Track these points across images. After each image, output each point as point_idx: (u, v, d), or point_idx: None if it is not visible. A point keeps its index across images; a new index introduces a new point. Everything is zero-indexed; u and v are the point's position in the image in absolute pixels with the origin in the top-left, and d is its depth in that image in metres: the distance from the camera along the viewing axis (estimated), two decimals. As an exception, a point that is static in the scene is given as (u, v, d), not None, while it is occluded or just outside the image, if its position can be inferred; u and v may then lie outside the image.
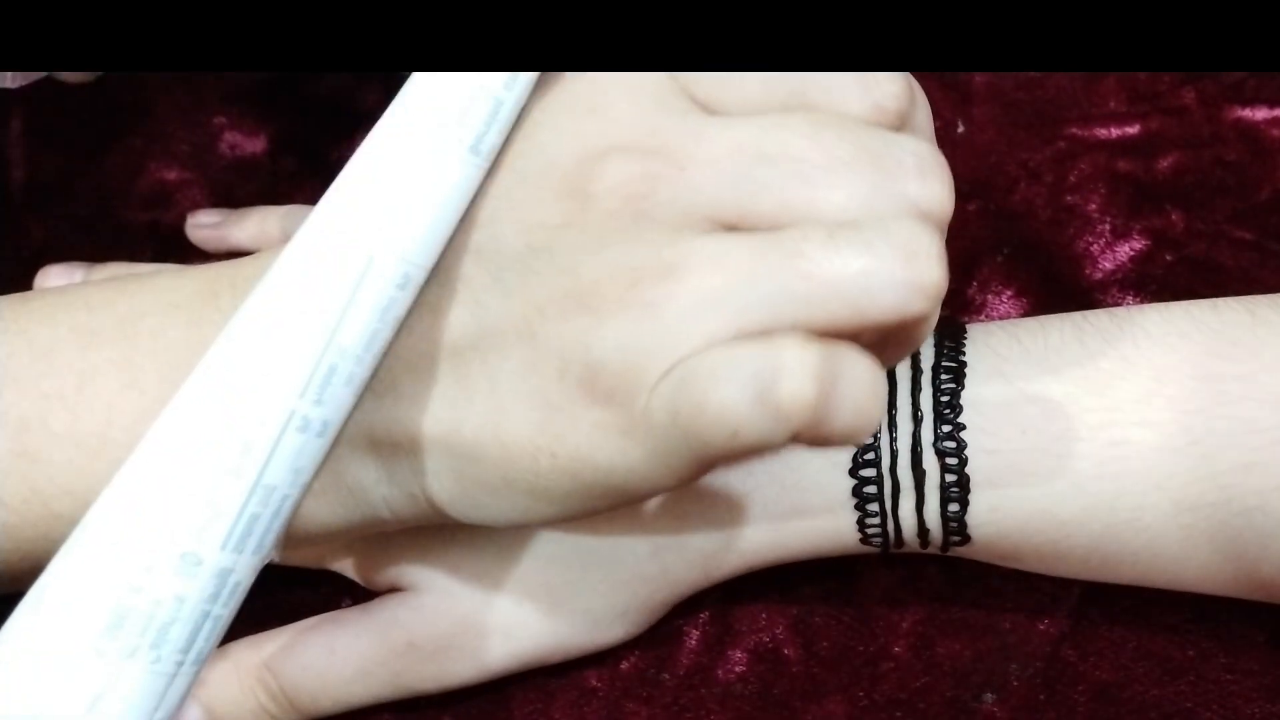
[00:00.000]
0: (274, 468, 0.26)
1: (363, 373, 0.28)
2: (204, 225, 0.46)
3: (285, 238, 0.45)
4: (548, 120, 0.29)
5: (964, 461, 0.35)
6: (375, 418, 0.30)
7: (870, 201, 0.28)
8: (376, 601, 0.38)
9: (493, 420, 0.29)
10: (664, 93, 0.29)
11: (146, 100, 0.50)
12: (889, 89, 0.29)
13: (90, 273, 0.45)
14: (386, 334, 0.28)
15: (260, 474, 0.26)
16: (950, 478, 0.36)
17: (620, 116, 0.29)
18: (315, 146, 0.49)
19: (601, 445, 0.28)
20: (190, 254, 0.46)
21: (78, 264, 0.45)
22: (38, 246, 0.47)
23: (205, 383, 0.26)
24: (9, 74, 0.41)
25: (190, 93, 0.50)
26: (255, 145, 0.49)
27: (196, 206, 0.48)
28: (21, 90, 0.42)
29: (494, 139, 0.28)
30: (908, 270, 0.27)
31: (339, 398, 0.27)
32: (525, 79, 0.28)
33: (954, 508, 0.36)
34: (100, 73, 0.41)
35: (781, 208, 0.28)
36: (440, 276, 0.29)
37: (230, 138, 0.49)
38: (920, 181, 0.28)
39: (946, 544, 0.37)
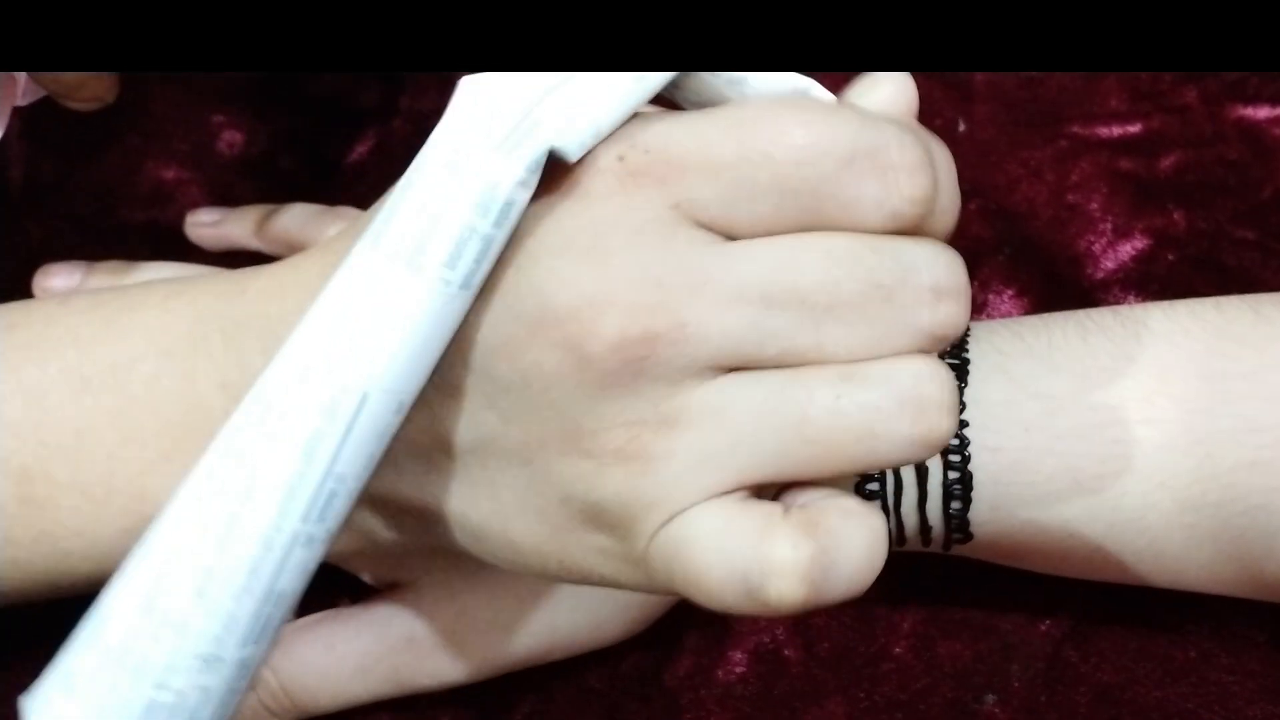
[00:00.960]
0: (283, 580, 0.27)
1: (362, 484, 0.28)
2: (203, 224, 0.46)
3: (283, 237, 0.45)
4: (544, 257, 0.27)
5: (967, 459, 0.35)
6: (380, 486, 0.30)
7: (881, 341, 0.27)
8: (376, 598, 0.38)
9: (499, 520, 0.29)
10: (666, 225, 0.27)
11: (145, 99, 0.50)
12: (909, 193, 0.27)
13: (89, 272, 0.45)
14: (384, 447, 0.28)
15: (270, 587, 0.27)
16: (953, 475, 0.36)
17: (618, 262, 0.27)
18: (315, 145, 0.49)
19: (605, 565, 0.29)
20: (189, 253, 0.46)
21: (77, 263, 0.45)
22: (36, 246, 0.47)
23: (209, 507, 0.27)
24: (18, 90, 0.42)
25: (188, 91, 0.50)
26: (254, 144, 0.49)
27: (195, 205, 0.48)
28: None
29: (484, 271, 0.27)
30: (915, 426, 0.27)
31: (340, 513, 0.27)
32: (516, 211, 0.27)
33: (956, 505, 0.36)
34: (108, 101, 0.41)
35: (787, 354, 0.27)
36: (437, 380, 0.28)
37: (229, 136, 0.49)
38: (934, 308, 0.28)
39: (949, 542, 0.37)
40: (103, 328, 0.33)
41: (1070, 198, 0.46)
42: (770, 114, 0.27)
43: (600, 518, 0.28)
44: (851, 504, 0.27)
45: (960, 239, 0.46)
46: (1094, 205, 0.46)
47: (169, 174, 0.48)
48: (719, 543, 0.27)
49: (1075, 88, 0.48)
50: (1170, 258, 0.45)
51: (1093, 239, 0.45)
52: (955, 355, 0.36)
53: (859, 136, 0.27)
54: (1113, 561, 0.36)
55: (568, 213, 0.27)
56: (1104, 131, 0.47)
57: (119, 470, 0.32)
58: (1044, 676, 0.39)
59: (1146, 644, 0.40)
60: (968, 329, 0.37)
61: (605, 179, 0.27)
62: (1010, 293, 0.45)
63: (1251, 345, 0.35)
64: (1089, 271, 0.45)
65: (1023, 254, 0.45)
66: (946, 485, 0.36)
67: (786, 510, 0.27)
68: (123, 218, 0.48)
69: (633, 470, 0.27)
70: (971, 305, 0.44)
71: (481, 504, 0.29)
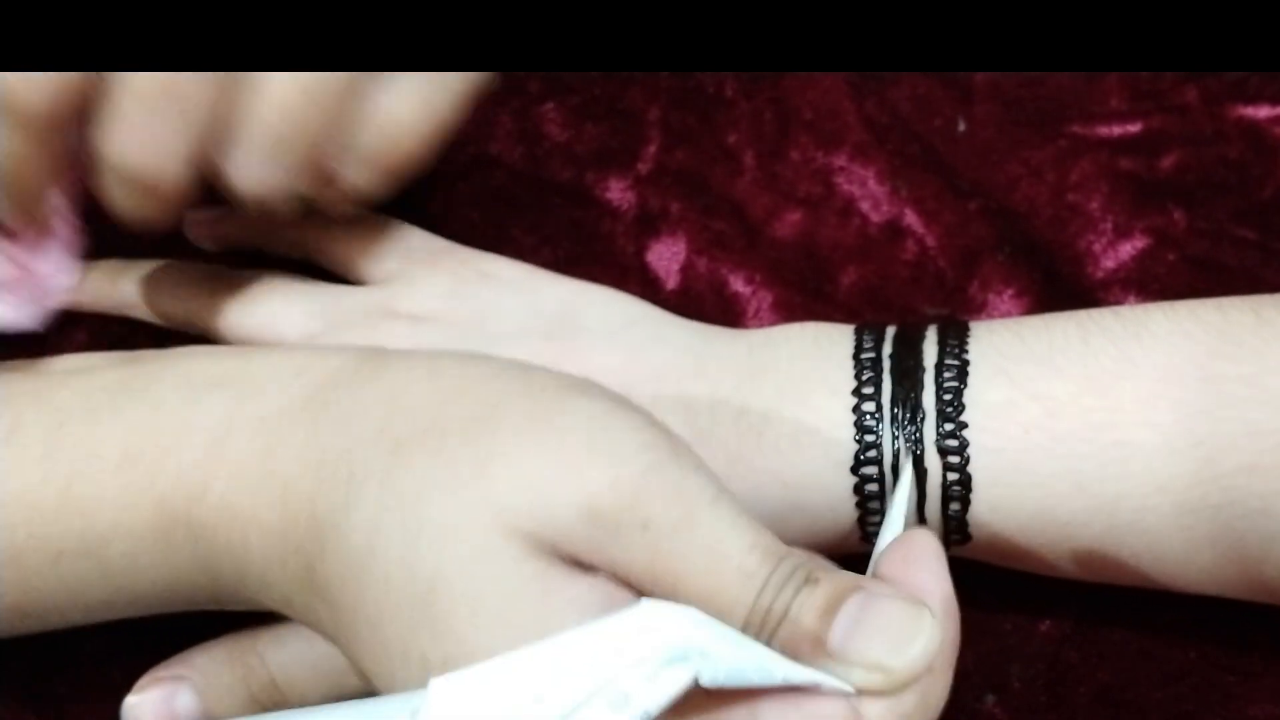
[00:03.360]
0: None
1: None
2: (201, 223, 0.46)
3: (280, 236, 0.45)
4: None
5: (966, 460, 0.35)
6: None
7: None
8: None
9: None
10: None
11: (143, 97, 0.49)
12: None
13: (86, 272, 0.45)
14: None
15: None
16: (952, 476, 0.35)
17: None
18: (313, 144, 0.49)
19: None
20: (186, 251, 0.46)
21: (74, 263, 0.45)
22: (33, 244, 0.47)
23: None
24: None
25: (187, 90, 0.49)
26: (252, 142, 0.49)
27: (192, 203, 0.47)
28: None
29: None
30: None
31: None
32: None
33: (955, 507, 0.36)
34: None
35: None
36: None
37: (227, 135, 0.49)
38: None
39: (948, 543, 0.37)
40: (60, 500, 0.33)
41: (1070, 197, 0.46)
42: None
43: None
44: None
45: (960, 238, 0.46)
46: (1094, 205, 0.46)
47: (167, 172, 0.48)
48: None
49: (1075, 87, 0.47)
50: (1170, 257, 0.45)
51: (1093, 239, 0.45)
52: (956, 355, 0.36)
53: None
54: (1111, 563, 0.36)
55: None
56: (1104, 131, 0.47)
57: (118, 602, 0.34)
58: (1044, 677, 0.39)
59: (1146, 645, 0.40)
60: (968, 329, 0.37)
61: None
62: (1010, 292, 0.45)
63: (1252, 349, 0.35)
64: (1089, 271, 0.45)
65: (1023, 254, 0.45)
66: (946, 486, 0.36)
67: None
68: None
69: None
70: (970, 304, 0.45)
71: None
